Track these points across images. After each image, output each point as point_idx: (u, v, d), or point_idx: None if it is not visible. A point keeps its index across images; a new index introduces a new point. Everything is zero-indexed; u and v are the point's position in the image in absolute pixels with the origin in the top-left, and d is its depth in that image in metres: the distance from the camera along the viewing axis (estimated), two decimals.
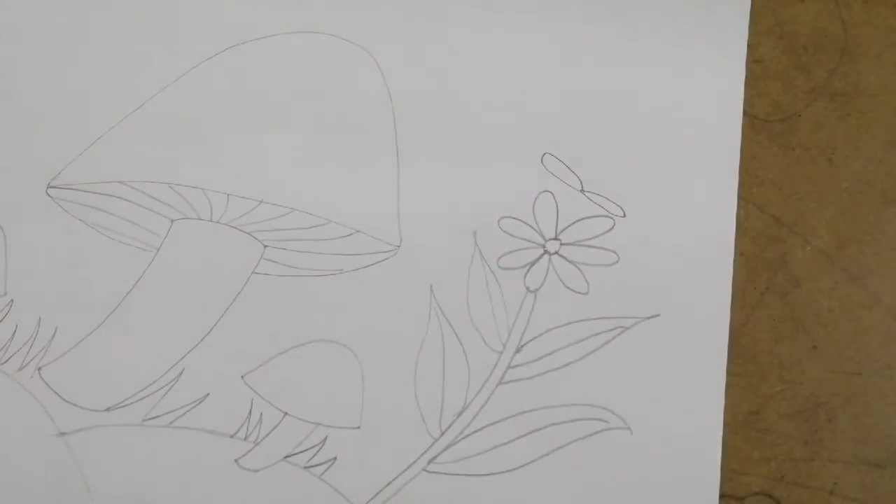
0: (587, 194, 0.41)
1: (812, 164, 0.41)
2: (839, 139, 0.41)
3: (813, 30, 0.43)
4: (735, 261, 0.39)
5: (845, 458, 0.37)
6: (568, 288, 0.39)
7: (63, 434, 0.37)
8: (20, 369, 0.39)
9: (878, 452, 0.37)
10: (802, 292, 0.38)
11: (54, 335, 0.39)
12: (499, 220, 0.40)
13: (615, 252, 0.39)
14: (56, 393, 0.38)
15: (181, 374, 0.38)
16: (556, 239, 0.40)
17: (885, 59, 0.42)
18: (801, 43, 0.43)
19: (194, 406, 0.38)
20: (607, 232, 0.40)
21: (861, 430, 0.37)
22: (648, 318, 0.38)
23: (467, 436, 0.36)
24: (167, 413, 0.38)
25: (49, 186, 0.42)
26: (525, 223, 0.40)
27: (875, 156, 0.41)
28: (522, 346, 0.38)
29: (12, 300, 0.40)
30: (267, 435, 0.37)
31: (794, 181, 0.40)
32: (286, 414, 0.37)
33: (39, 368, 0.39)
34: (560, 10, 0.43)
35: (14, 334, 0.39)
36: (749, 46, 0.42)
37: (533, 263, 0.39)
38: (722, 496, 0.36)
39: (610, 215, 0.40)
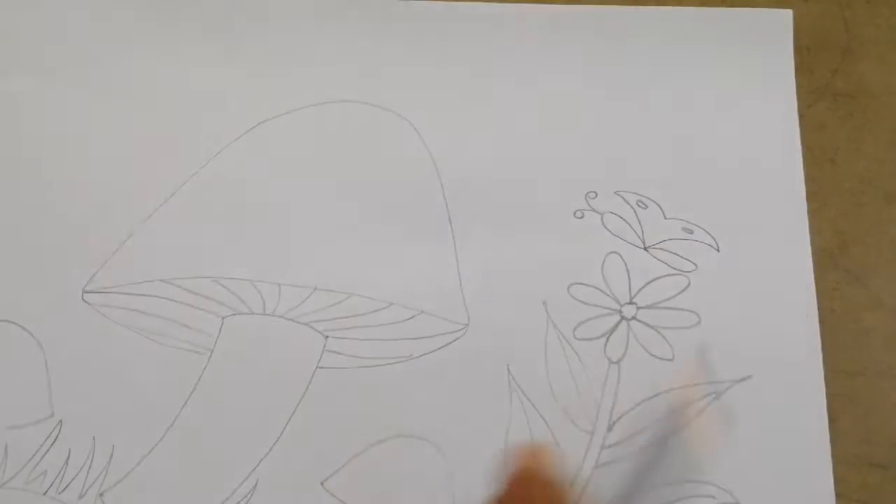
0: (651, 251, 0.39)
1: (814, 165, 0.41)
2: (841, 139, 0.41)
3: (815, 30, 0.43)
4: None
5: (848, 459, 0.36)
6: (652, 356, 0.37)
7: None
8: (80, 497, 0.36)
9: (880, 453, 0.36)
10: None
11: (112, 455, 0.37)
12: (568, 288, 0.39)
13: (696, 312, 0.38)
14: None
15: (255, 486, 0.36)
16: (631, 303, 0.38)
17: (887, 60, 0.42)
18: (803, 43, 0.43)
19: None
20: (683, 291, 0.38)
21: (864, 431, 0.36)
22: (741, 380, 0.36)
23: None
24: None
25: (84, 292, 0.39)
26: (597, 288, 0.39)
27: (877, 156, 0.41)
28: (614, 424, 0.36)
29: (61, 421, 0.37)
30: None
31: None
32: None
33: (101, 494, 0.36)
34: (601, 62, 0.42)
35: (68, 459, 0.37)
36: None
37: (611, 332, 0.38)
38: None
39: (682, 273, 0.39)
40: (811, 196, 0.40)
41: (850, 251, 0.39)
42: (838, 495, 0.35)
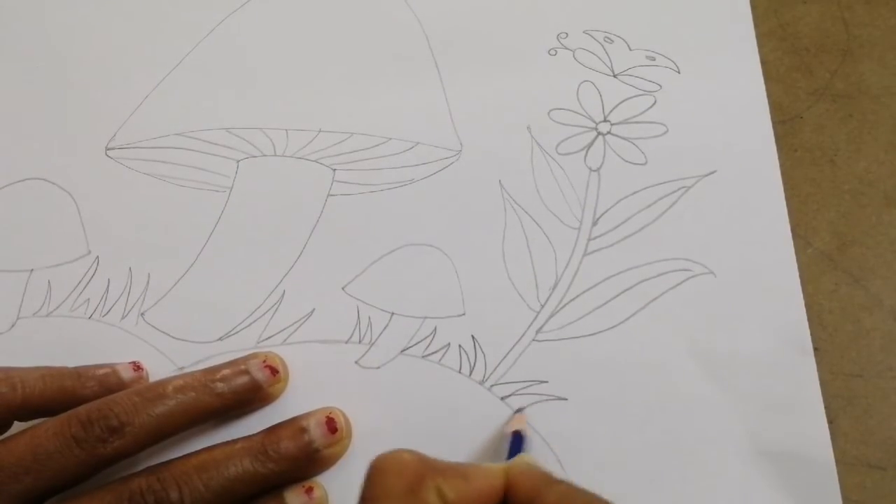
0: (620, 77, 0.43)
1: (814, 166, 0.41)
2: (841, 141, 0.42)
3: (815, 31, 0.44)
4: None
5: (846, 460, 0.36)
6: (627, 161, 0.41)
7: (182, 369, 0.38)
8: (123, 318, 0.40)
9: (879, 454, 0.37)
10: (804, 294, 0.38)
11: (148, 281, 0.40)
12: (549, 113, 0.43)
13: (663, 123, 0.42)
14: (165, 333, 0.39)
15: (283, 296, 0.40)
16: (605, 121, 0.43)
17: (887, 61, 0.43)
18: (803, 44, 0.43)
19: (303, 322, 0.39)
20: (651, 108, 0.43)
21: (862, 433, 0.37)
22: (707, 175, 0.41)
23: (566, 304, 0.39)
24: (279, 332, 0.39)
25: (107, 149, 0.43)
26: (574, 112, 0.43)
27: (877, 157, 0.41)
28: (598, 219, 0.40)
29: (98, 257, 0.41)
30: (379, 335, 0.39)
31: (796, 183, 0.41)
32: (393, 314, 0.39)
33: (142, 313, 0.40)
34: None
35: (108, 287, 0.40)
36: None
37: (590, 146, 0.42)
38: None
39: (649, 93, 0.43)
40: (810, 197, 0.41)
41: (850, 253, 0.40)
42: None
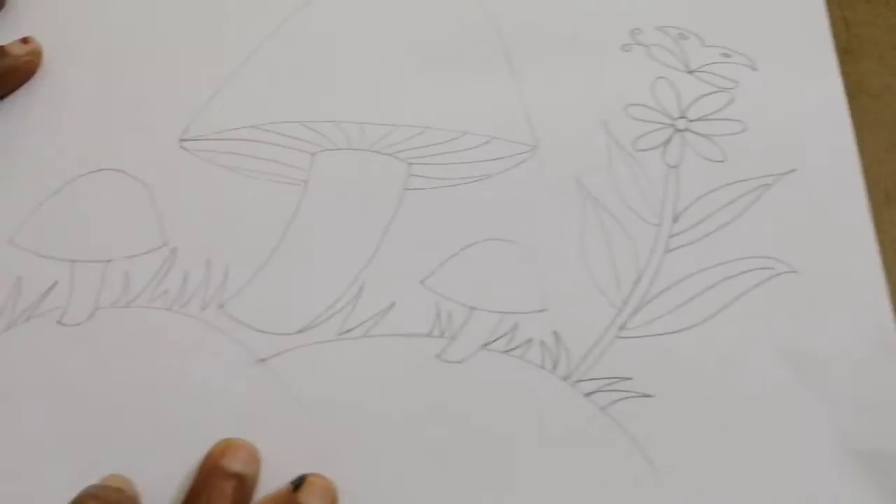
0: (696, 74, 0.43)
1: None
2: None
3: None
4: None
5: None
6: (706, 159, 0.41)
7: (263, 360, 0.38)
8: (203, 309, 0.39)
9: None
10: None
11: (227, 272, 0.40)
12: (625, 108, 0.43)
13: (740, 121, 0.42)
14: (244, 324, 0.39)
15: (362, 289, 0.40)
16: (682, 117, 0.42)
17: (887, 60, 0.43)
18: None
19: (383, 315, 0.39)
20: (728, 105, 0.43)
21: None
22: (787, 173, 0.41)
23: (649, 301, 0.39)
24: (359, 325, 0.39)
25: (181, 140, 0.43)
26: (650, 108, 0.43)
27: (877, 156, 0.42)
28: (678, 216, 0.40)
29: (175, 248, 0.41)
30: (460, 330, 0.38)
31: None
32: (473, 308, 0.39)
33: (222, 305, 0.39)
34: None
35: (186, 279, 0.40)
36: None
37: (667, 142, 0.42)
38: None
39: (725, 90, 0.43)
40: None
41: None
42: None
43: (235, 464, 0.35)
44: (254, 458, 0.35)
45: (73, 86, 0.45)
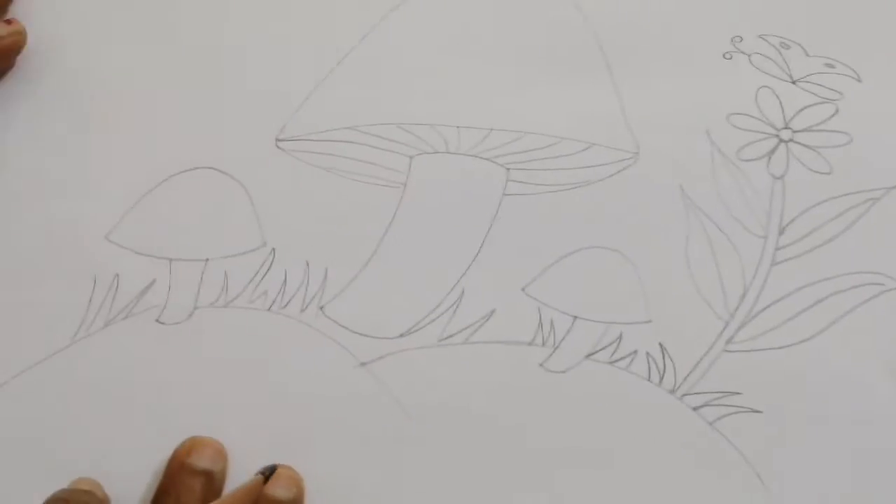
0: (799, 84, 0.42)
1: None
2: None
3: None
4: None
5: None
6: (812, 170, 0.40)
7: (364, 364, 0.38)
8: (302, 311, 0.39)
9: None
10: None
11: (326, 274, 0.40)
12: (728, 117, 0.42)
13: (846, 133, 0.41)
14: (345, 327, 0.39)
15: (462, 295, 0.39)
16: (787, 128, 0.42)
17: None
18: None
19: (484, 322, 0.39)
20: (833, 116, 0.42)
21: None
22: (894, 187, 0.40)
23: (756, 315, 0.38)
24: (460, 331, 0.38)
25: (277, 140, 0.42)
26: (754, 117, 0.42)
27: None
28: (784, 228, 0.39)
29: (274, 249, 0.40)
30: (563, 339, 0.38)
31: None
32: (576, 317, 0.38)
33: (322, 307, 0.39)
34: None
35: (285, 280, 0.40)
36: None
37: (772, 152, 0.41)
38: None
39: (830, 101, 0.42)
40: None
41: None
42: None
43: (203, 461, 0.35)
44: (221, 454, 0.36)
45: (167, 85, 0.44)
